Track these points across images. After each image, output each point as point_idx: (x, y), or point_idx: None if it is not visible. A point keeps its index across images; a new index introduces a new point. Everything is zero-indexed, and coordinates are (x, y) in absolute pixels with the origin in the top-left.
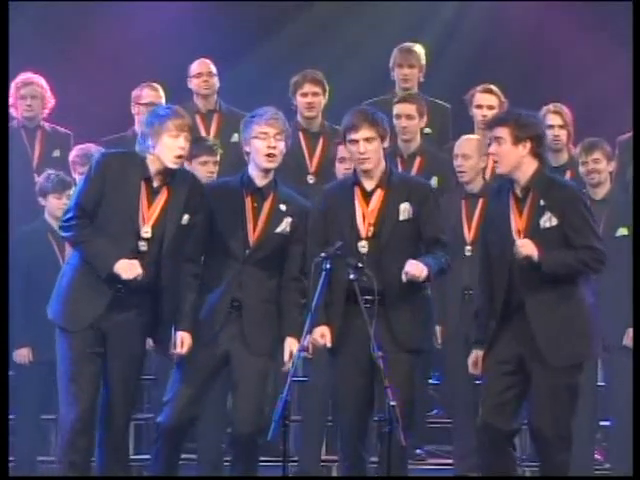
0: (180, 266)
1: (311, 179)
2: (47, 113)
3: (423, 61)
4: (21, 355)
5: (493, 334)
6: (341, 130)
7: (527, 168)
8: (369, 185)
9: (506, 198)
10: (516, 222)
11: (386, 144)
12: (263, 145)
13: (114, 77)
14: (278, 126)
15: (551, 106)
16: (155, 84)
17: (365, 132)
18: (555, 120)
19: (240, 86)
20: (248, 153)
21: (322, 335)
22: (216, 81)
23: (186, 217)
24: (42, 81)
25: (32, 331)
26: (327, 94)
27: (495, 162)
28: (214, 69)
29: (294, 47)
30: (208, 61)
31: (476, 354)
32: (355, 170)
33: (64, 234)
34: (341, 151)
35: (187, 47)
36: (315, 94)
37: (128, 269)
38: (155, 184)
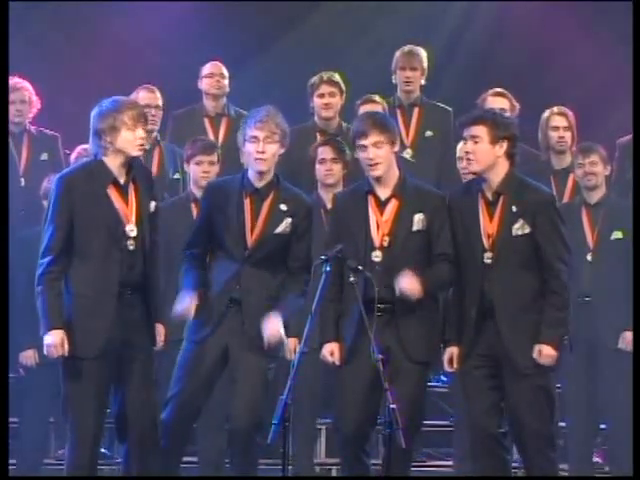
0: (156, 257)
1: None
2: (32, 117)
3: (425, 64)
4: (27, 357)
5: (469, 338)
6: (351, 136)
7: (500, 169)
8: (383, 194)
9: (475, 200)
10: (486, 226)
11: (396, 149)
12: (253, 149)
13: (118, 79)
14: (268, 129)
15: (555, 108)
16: (152, 86)
17: (374, 137)
18: (560, 122)
19: (251, 88)
20: (244, 152)
21: (331, 353)
22: (227, 84)
23: (153, 204)
24: (29, 85)
25: (37, 333)
26: (344, 95)
27: (469, 160)
28: (226, 72)
29: (304, 49)
30: (220, 64)
31: (450, 351)
32: (368, 177)
33: (37, 274)
34: (321, 153)
35: (194, 49)
36: (332, 94)
37: (53, 345)
38: (122, 181)
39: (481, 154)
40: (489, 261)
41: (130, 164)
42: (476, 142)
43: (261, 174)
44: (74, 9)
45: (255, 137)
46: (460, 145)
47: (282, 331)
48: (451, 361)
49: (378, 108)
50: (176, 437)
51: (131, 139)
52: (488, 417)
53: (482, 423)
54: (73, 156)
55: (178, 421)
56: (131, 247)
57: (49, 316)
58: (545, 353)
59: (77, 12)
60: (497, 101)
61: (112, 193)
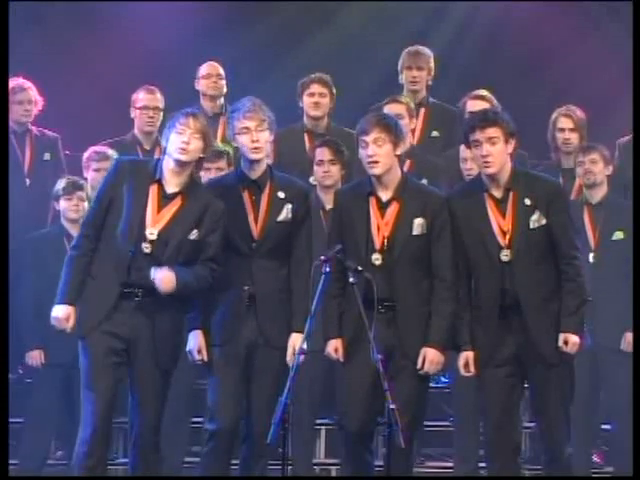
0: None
1: (314, 181)
2: (34, 117)
3: (432, 64)
4: (33, 357)
5: (491, 339)
6: (355, 135)
7: (508, 166)
8: (385, 196)
9: (481, 200)
10: (498, 223)
11: (399, 151)
12: (247, 139)
13: (118, 80)
14: (257, 117)
15: (563, 109)
16: (152, 87)
17: (374, 135)
18: (566, 123)
19: (246, 88)
20: (237, 148)
21: (335, 350)
22: (224, 84)
23: (195, 232)
24: (32, 85)
25: (44, 334)
26: (334, 98)
27: (486, 163)
28: (222, 72)
29: (303, 49)
30: (217, 64)
31: (466, 355)
32: (370, 177)
33: (71, 245)
34: (319, 154)
35: (196, 49)
36: (322, 95)
37: (57, 319)
38: (169, 190)
39: (499, 155)
40: (507, 258)
41: (183, 181)
42: (494, 143)
43: (256, 163)
44: (75, 9)
45: (247, 128)
46: (463, 146)
47: (305, 347)
48: (466, 365)
49: (402, 108)
50: (225, 444)
51: (174, 142)
52: (509, 421)
53: (503, 426)
54: (85, 155)
55: (227, 428)
56: (146, 250)
57: (63, 290)
58: (572, 341)
59: (79, 12)
60: (477, 104)
61: (152, 193)
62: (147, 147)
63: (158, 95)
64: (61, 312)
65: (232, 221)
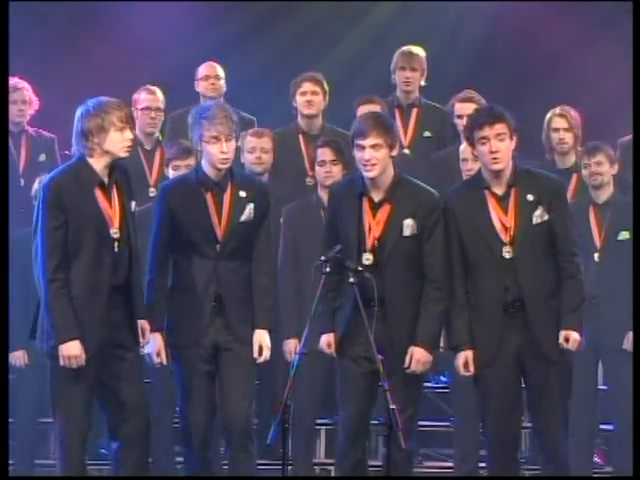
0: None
1: (310, 181)
2: (30, 117)
3: (425, 65)
4: (17, 357)
5: (493, 338)
6: (350, 135)
7: (510, 164)
8: (377, 196)
9: (481, 197)
10: (500, 220)
11: (395, 152)
12: (216, 149)
13: (119, 79)
14: (228, 126)
15: (557, 109)
16: (152, 87)
17: (373, 139)
18: (561, 123)
19: (238, 86)
20: (200, 151)
21: (329, 344)
22: (223, 84)
23: (133, 204)
24: (28, 85)
25: (27, 334)
26: (327, 97)
27: (495, 159)
28: (222, 72)
29: (293, 49)
30: (216, 64)
31: (465, 355)
32: (363, 177)
33: (42, 281)
34: (320, 154)
35: (189, 48)
36: (314, 93)
37: (74, 357)
38: (106, 183)
39: (506, 151)
40: (509, 255)
41: (113, 165)
42: (502, 140)
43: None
44: (76, 9)
45: (216, 137)
46: (463, 147)
47: (269, 343)
48: (466, 365)
49: (377, 108)
50: (199, 441)
51: (119, 140)
52: (509, 422)
53: (503, 426)
54: None
55: (197, 425)
56: (116, 249)
57: (66, 326)
58: (572, 338)
59: (80, 12)
60: (465, 107)
61: (98, 195)
62: (148, 147)
63: (159, 95)
64: (77, 349)
65: (195, 223)
